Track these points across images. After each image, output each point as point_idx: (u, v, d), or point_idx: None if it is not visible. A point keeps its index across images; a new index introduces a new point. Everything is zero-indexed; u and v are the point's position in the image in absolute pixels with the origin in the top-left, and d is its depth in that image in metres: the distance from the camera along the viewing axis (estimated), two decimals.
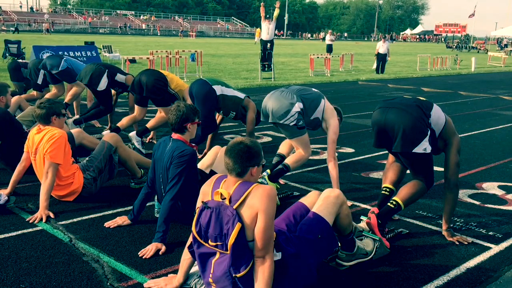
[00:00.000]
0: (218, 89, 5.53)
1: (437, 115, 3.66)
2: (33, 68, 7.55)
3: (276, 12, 16.55)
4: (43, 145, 4.10)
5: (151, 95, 6.02)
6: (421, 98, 3.80)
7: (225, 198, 2.60)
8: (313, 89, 4.64)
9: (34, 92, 7.74)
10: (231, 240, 2.51)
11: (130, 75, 6.72)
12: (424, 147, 3.54)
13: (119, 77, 6.53)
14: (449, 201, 3.74)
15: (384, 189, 3.92)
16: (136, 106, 6.34)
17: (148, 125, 6.23)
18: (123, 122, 6.31)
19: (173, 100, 6.11)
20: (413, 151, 3.54)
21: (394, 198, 3.71)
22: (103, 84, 6.38)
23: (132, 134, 6.17)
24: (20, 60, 9.36)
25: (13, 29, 51.80)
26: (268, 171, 4.51)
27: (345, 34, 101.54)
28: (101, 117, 7.06)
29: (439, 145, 3.74)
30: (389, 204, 3.70)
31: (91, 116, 6.82)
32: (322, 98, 4.51)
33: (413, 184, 3.74)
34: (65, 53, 14.36)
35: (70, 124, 6.48)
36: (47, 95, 7.48)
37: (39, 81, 7.51)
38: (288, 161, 4.51)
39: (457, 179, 3.71)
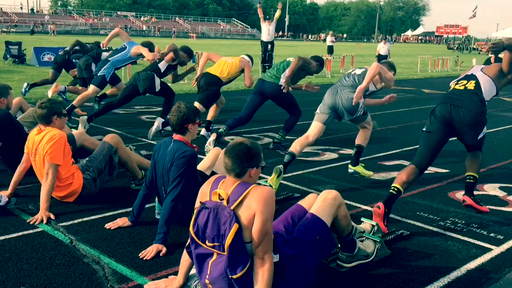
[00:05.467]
0: (282, 80, 6.15)
1: (488, 91, 4.24)
2: (83, 66, 8.38)
3: (278, 13, 16.53)
4: (42, 146, 4.10)
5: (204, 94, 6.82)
6: (471, 87, 4.18)
7: (223, 199, 2.59)
8: (366, 67, 5.21)
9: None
10: (228, 241, 2.50)
11: (169, 52, 7.15)
12: (482, 134, 4.13)
13: (164, 67, 7.15)
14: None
15: (392, 188, 4.04)
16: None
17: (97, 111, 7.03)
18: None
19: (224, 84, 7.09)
20: (478, 138, 4.11)
21: (393, 184, 3.99)
22: (157, 85, 7.09)
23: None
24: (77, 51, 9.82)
25: (14, 29, 52.00)
26: (281, 166, 4.76)
27: (345, 35, 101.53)
28: (109, 111, 7.41)
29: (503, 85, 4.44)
30: (390, 191, 3.97)
31: (101, 111, 7.16)
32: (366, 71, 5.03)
33: (410, 170, 4.05)
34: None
35: (84, 122, 6.84)
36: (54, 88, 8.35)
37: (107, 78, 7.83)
38: (359, 140, 5.32)
39: None
